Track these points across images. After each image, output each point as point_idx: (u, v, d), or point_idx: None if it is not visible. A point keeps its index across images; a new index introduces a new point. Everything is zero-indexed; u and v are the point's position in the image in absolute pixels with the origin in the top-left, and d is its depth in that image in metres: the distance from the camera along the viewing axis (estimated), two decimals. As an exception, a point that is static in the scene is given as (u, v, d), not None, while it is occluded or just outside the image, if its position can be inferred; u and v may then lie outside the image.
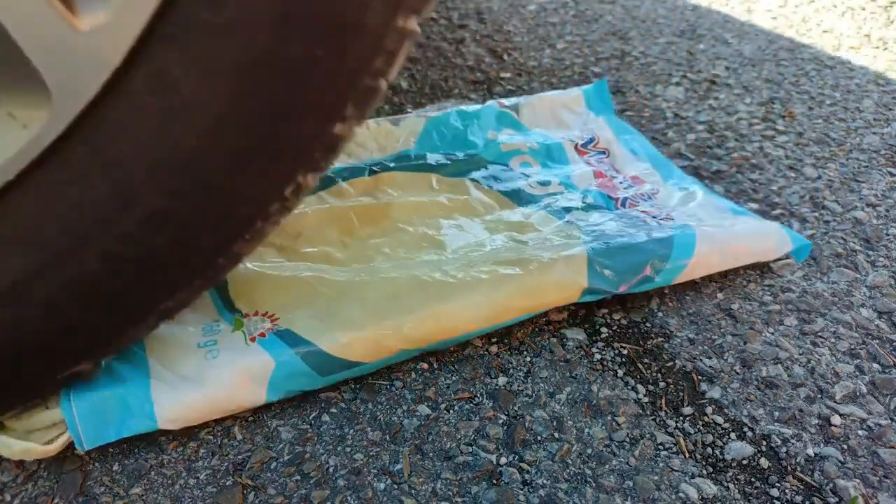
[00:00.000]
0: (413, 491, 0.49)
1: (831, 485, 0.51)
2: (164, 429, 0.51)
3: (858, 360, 0.61)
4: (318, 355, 0.54)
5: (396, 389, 0.58)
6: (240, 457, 0.52)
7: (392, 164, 0.76)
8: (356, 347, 0.55)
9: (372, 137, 0.80)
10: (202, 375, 0.52)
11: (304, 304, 0.58)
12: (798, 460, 0.53)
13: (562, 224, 0.70)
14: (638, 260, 0.64)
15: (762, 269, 0.73)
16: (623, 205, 0.75)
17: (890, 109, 1.08)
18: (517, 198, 0.74)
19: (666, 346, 0.63)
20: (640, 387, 0.59)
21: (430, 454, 0.52)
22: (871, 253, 0.76)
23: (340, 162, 0.76)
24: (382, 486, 0.49)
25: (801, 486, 0.51)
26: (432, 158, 0.78)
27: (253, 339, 0.55)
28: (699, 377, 0.60)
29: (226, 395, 0.52)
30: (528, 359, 0.61)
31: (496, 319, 0.60)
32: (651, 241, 0.65)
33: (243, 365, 0.53)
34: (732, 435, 0.55)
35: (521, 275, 0.60)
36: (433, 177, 0.76)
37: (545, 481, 0.50)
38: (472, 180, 0.76)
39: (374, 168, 0.75)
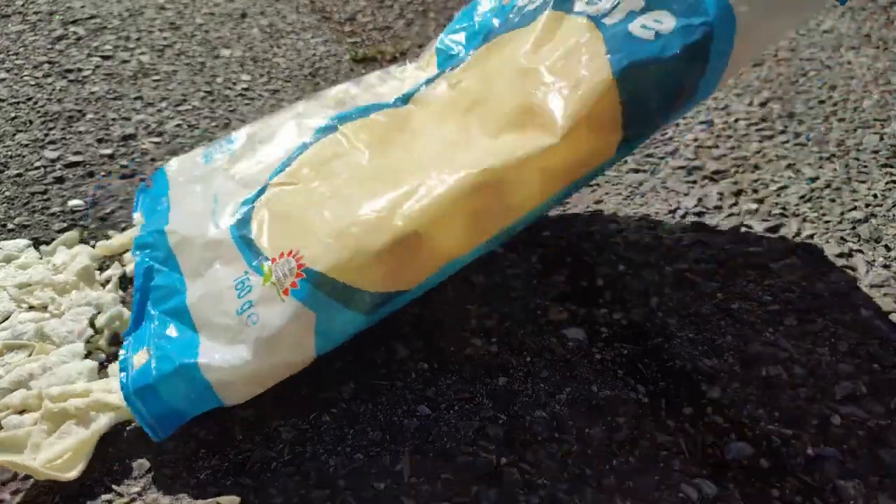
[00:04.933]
0: (413, 491, 0.49)
1: (831, 485, 0.51)
2: (231, 405, 0.52)
3: (858, 360, 0.61)
4: (356, 294, 0.51)
5: (397, 389, 0.58)
6: (240, 457, 0.52)
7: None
8: (392, 277, 0.52)
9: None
10: (248, 345, 0.51)
11: (328, 233, 0.54)
12: (798, 460, 0.53)
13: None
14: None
15: (762, 268, 0.73)
16: None
17: (890, 109, 1.08)
18: None
19: (666, 346, 0.63)
20: (640, 387, 0.59)
21: (431, 454, 0.52)
22: (871, 253, 0.76)
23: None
24: (382, 486, 0.49)
25: (801, 487, 0.51)
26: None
27: (286, 293, 0.52)
28: (699, 377, 0.60)
29: (276, 360, 0.51)
30: (528, 359, 0.61)
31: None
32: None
33: (284, 325, 0.51)
34: (732, 435, 0.55)
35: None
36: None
37: (545, 481, 0.50)
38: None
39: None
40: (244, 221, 0.59)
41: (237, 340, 0.52)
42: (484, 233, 0.54)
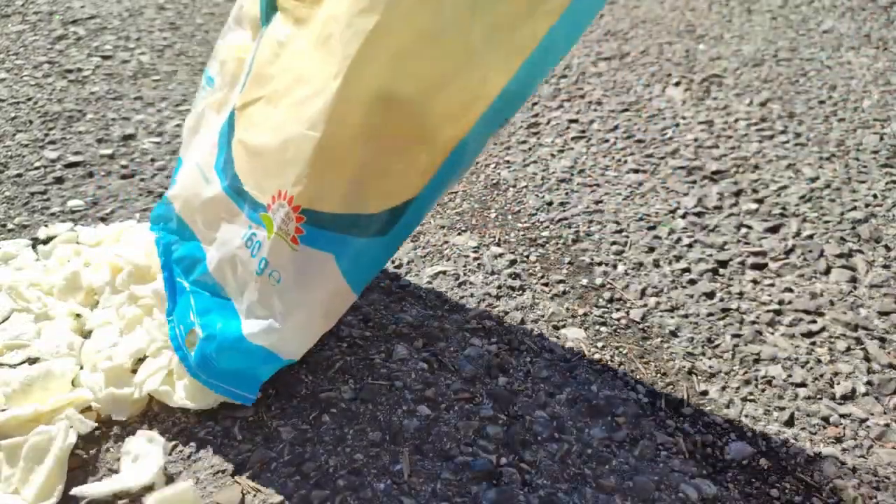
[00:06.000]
0: (413, 491, 0.49)
1: (831, 485, 0.51)
2: (299, 357, 0.54)
3: (858, 360, 0.61)
4: (361, 220, 0.49)
5: (396, 390, 0.58)
6: (240, 457, 0.52)
7: None
8: (388, 192, 0.49)
9: None
10: (282, 305, 0.51)
11: (302, 162, 0.49)
12: (798, 460, 0.53)
13: None
14: None
15: (762, 268, 0.73)
16: None
17: (890, 109, 1.08)
18: None
19: (666, 346, 0.63)
20: (640, 387, 0.59)
21: (430, 454, 0.52)
22: (870, 253, 0.76)
23: None
24: (382, 486, 0.49)
25: (801, 486, 0.51)
26: None
27: (295, 241, 0.50)
28: (699, 377, 0.60)
29: (315, 310, 0.51)
30: (528, 359, 0.61)
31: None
32: None
33: (307, 276, 0.50)
34: (732, 435, 0.55)
35: None
36: None
37: (545, 482, 0.50)
38: None
39: None
40: (228, 166, 0.56)
41: (270, 302, 0.51)
42: (466, 114, 0.47)
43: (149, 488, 0.48)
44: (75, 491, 0.48)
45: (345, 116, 0.47)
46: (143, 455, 0.50)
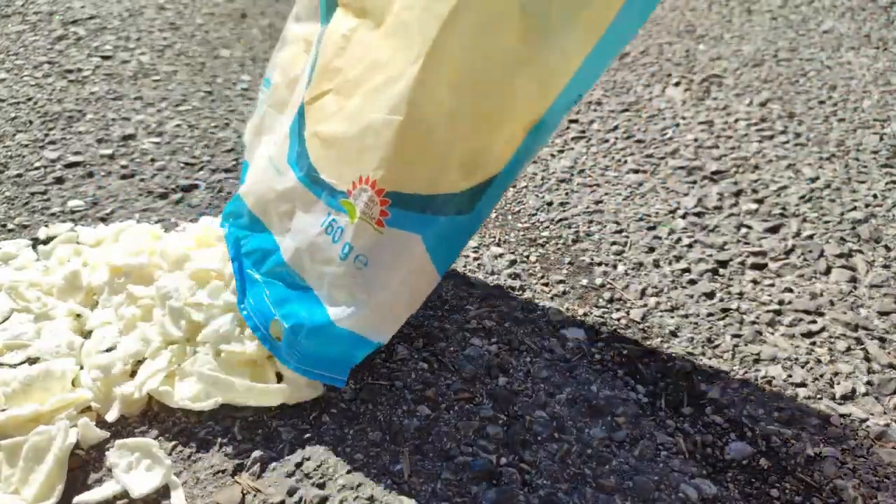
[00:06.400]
0: (413, 491, 0.49)
1: (831, 485, 0.51)
2: (387, 340, 0.55)
3: (858, 360, 0.61)
4: (446, 199, 0.50)
5: (396, 389, 0.58)
6: (240, 457, 0.52)
7: None
8: (472, 170, 0.50)
9: None
10: (370, 288, 0.52)
11: (383, 146, 0.50)
12: (798, 460, 0.53)
13: None
14: None
15: (762, 268, 0.73)
16: None
17: (890, 109, 1.08)
18: None
19: (666, 345, 0.63)
20: (640, 387, 0.59)
21: (430, 454, 0.52)
22: (870, 253, 0.76)
23: None
24: (382, 486, 0.49)
25: (801, 486, 0.51)
26: None
27: (380, 224, 0.51)
28: (699, 377, 0.60)
29: (402, 292, 0.52)
30: (528, 359, 0.61)
31: None
32: None
33: (394, 257, 0.51)
34: (732, 435, 0.55)
35: None
36: None
37: (545, 482, 0.50)
38: None
39: None
40: (302, 158, 0.57)
41: (356, 286, 0.52)
42: (546, 91, 0.49)
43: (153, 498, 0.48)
44: (77, 500, 0.48)
45: (427, 99, 0.48)
46: (145, 465, 0.50)
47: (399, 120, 0.49)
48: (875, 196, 0.86)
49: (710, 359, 0.62)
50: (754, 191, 0.87)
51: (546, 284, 0.71)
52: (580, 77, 0.48)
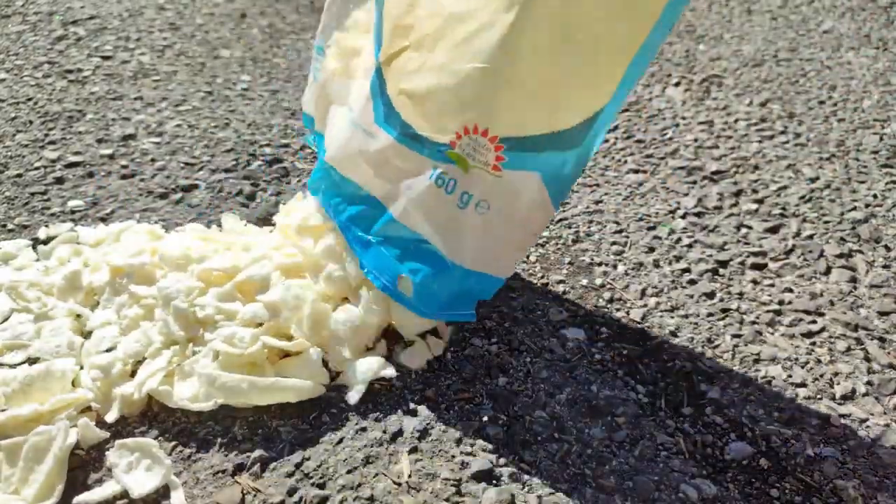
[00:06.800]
0: (413, 491, 0.49)
1: (831, 485, 0.51)
2: (508, 276, 0.59)
3: (858, 360, 0.61)
4: (561, 136, 0.52)
5: (396, 389, 0.58)
6: (240, 457, 0.52)
7: None
8: (581, 106, 0.51)
9: None
10: (493, 230, 0.54)
11: (489, 96, 0.52)
12: (798, 460, 0.53)
13: None
14: None
15: (762, 268, 0.73)
16: None
17: (890, 109, 1.08)
18: None
19: (666, 346, 0.63)
20: (640, 387, 0.59)
21: (430, 454, 0.52)
22: (870, 253, 0.76)
23: None
24: (382, 486, 0.49)
25: (801, 486, 0.51)
26: None
27: (497, 168, 0.53)
28: (699, 377, 0.60)
29: (522, 229, 0.55)
30: (528, 359, 0.61)
31: None
32: None
33: (516, 198, 0.53)
34: (732, 435, 0.55)
35: None
36: None
37: (545, 482, 0.50)
38: None
39: None
40: (391, 117, 0.58)
41: (478, 231, 0.55)
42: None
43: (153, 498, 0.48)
44: (77, 500, 0.48)
45: (526, 43, 0.49)
46: (145, 465, 0.50)
47: (498, 67, 0.50)
48: (875, 196, 0.86)
49: (710, 359, 0.62)
50: (754, 191, 0.87)
51: (546, 284, 0.71)
52: (669, 8, 0.49)
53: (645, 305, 0.68)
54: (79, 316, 0.64)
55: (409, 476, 0.50)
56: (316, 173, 0.68)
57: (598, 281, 0.72)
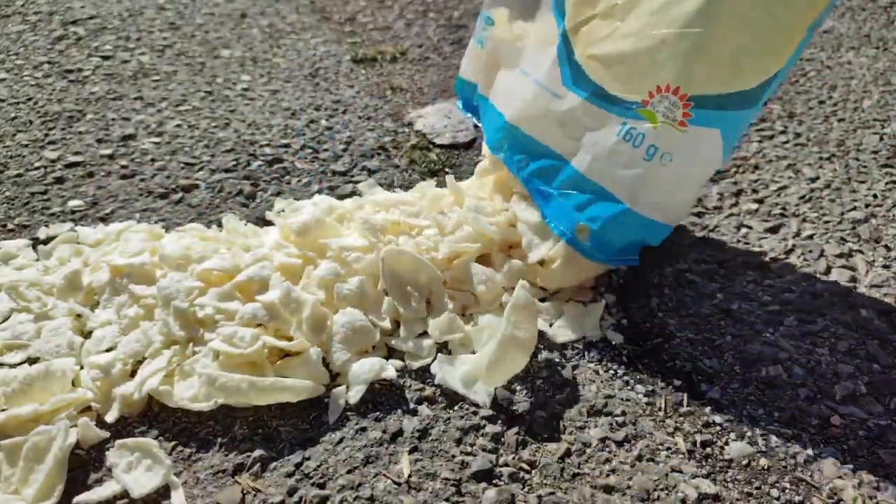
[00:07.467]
0: (413, 491, 0.49)
1: (831, 485, 0.51)
2: (676, 223, 0.66)
3: (858, 360, 0.61)
4: (743, 96, 0.57)
5: (397, 389, 0.58)
6: (240, 457, 0.52)
7: None
8: (763, 68, 0.57)
9: None
10: (675, 178, 0.61)
11: (682, 59, 0.58)
12: (798, 460, 0.53)
13: None
14: None
15: (762, 268, 0.73)
16: None
17: (890, 109, 1.08)
18: None
19: (666, 346, 0.63)
20: (639, 387, 0.59)
21: (430, 454, 0.52)
22: (870, 253, 0.76)
23: None
24: (382, 486, 0.49)
25: (801, 486, 0.51)
26: None
27: (683, 125, 0.59)
28: (699, 377, 0.60)
29: (699, 180, 0.63)
30: (528, 358, 0.61)
31: None
32: None
33: (698, 150, 0.59)
34: (732, 435, 0.55)
35: None
36: None
37: (545, 482, 0.50)
38: None
39: None
40: (581, 79, 0.64)
41: (658, 181, 0.61)
42: None
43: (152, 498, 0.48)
44: (77, 500, 0.48)
45: (724, 10, 0.56)
46: (145, 465, 0.50)
47: (697, 32, 0.57)
48: (875, 196, 0.86)
49: (710, 359, 0.62)
50: (754, 191, 0.87)
51: (546, 284, 0.71)
52: None
53: (645, 305, 0.68)
54: (79, 316, 0.64)
55: (409, 476, 0.50)
56: (495, 134, 0.74)
57: (597, 280, 0.72)
